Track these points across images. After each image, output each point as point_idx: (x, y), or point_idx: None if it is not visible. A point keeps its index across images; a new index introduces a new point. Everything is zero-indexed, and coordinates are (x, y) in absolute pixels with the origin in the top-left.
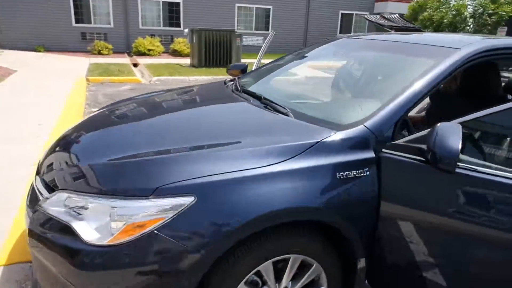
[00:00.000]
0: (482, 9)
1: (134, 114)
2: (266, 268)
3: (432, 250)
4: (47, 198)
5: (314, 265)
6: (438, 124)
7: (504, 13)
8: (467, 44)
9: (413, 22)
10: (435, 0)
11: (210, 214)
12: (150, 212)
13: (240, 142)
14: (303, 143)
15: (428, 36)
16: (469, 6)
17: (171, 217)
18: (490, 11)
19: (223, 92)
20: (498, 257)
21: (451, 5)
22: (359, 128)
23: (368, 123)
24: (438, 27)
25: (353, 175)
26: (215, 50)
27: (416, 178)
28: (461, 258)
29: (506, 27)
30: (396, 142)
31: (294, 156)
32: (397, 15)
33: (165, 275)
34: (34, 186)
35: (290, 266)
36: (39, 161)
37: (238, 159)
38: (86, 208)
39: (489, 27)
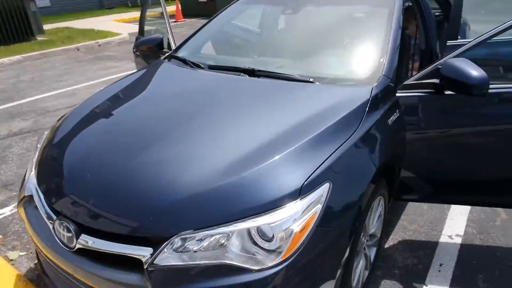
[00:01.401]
0: None
1: (162, 129)
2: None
3: (446, 158)
4: (154, 253)
5: (381, 199)
6: (448, 60)
7: None
8: None
9: None
10: None
11: (345, 189)
12: (303, 213)
13: (313, 123)
14: (360, 106)
15: None
16: None
17: (322, 208)
18: None
19: (192, 77)
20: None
21: None
22: (383, 78)
23: (385, 72)
24: None
25: (394, 118)
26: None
27: (429, 107)
28: (469, 159)
29: None
30: (407, 82)
31: (362, 120)
32: None
33: (338, 253)
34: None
35: (376, 205)
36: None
37: (330, 139)
38: (229, 239)
39: None
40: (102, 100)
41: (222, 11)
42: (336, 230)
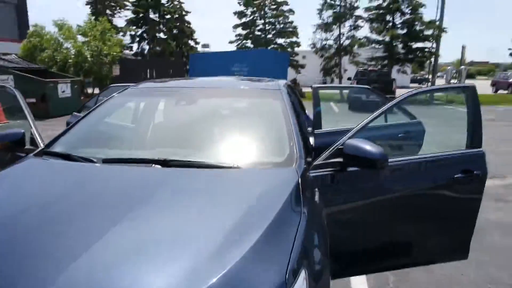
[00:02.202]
0: (98, 50)
1: None
2: None
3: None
4: None
5: None
6: (348, 141)
7: (115, 53)
8: (281, 85)
9: (34, 62)
10: (50, 41)
11: (317, 272)
12: None
13: (260, 211)
14: (294, 188)
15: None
16: (86, 48)
17: None
18: (105, 52)
19: (89, 174)
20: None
21: (70, 46)
22: (299, 160)
23: (299, 154)
24: (64, 67)
25: (317, 195)
26: None
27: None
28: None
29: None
30: (316, 163)
31: (301, 201)
32: (14, 55)
33: None
34: None
35: None
36: None
37: (285, 225)
38: None
39: (107, 65)
40: None
41: (98, 106)
42: None
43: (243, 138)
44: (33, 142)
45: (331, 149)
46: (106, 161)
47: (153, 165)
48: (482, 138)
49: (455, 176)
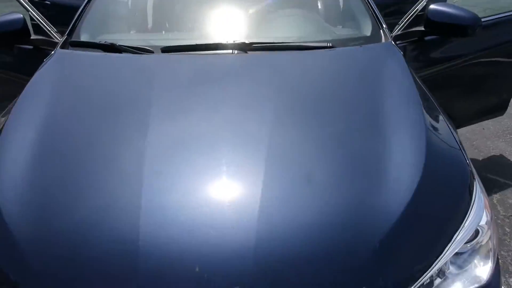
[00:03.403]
0: None
1: None
2: None
3: None
4: None
5: None
6: (432, 6)
7: None
8: None
9: None
10: None
11: None
12: None
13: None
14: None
15: None
16: None
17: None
18: None
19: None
20: None
21: None
22: (386, 32)
23: (384, 25)
24: None
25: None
26: None
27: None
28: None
29: None
30: (394, 33)
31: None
32: None
33: None
34: None
35: None
36: None
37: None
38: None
39: None
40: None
41: None
42: None
43: (322, 12)
44: (36, 30)
45: (408, 16)
46: (165, 50)
47: (234, 51)
48: None
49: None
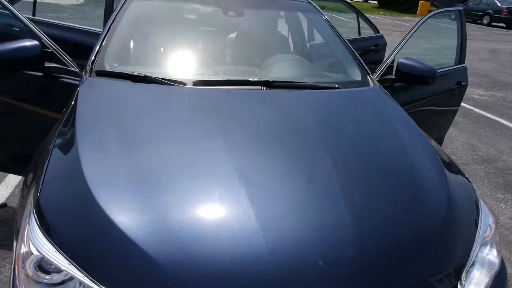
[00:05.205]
0: None
1: None
2: None
3: None
4: None
5: None
6: (401, 60)
7: None
8: None
9: None
10: None
11: None
12: None
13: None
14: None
15: None
16: None
17: None
18: None
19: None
20: None
21: None
22: (369, 77)
23: (366, 71)
24: None
25: None
26: None
27: None
28: None
29: None
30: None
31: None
32: None
33: None
34: None
35: None
36: None
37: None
38: None
39: None
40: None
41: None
42: None
43: (328, 56)
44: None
45: (383, 67)
46: (197, 83)
47: (262, 87)
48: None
49: (452, 87)
